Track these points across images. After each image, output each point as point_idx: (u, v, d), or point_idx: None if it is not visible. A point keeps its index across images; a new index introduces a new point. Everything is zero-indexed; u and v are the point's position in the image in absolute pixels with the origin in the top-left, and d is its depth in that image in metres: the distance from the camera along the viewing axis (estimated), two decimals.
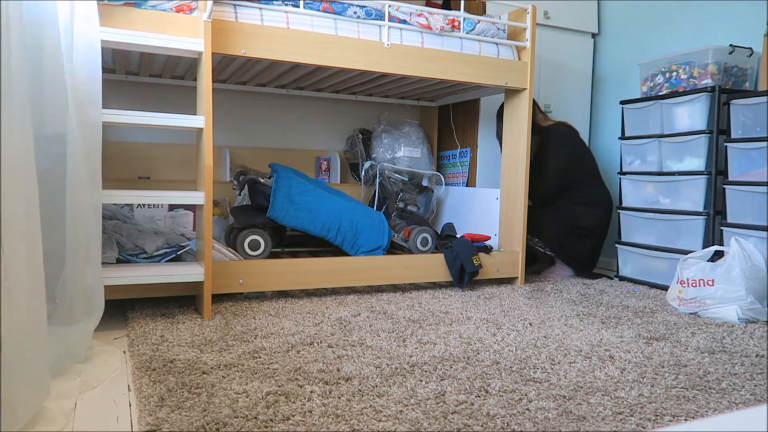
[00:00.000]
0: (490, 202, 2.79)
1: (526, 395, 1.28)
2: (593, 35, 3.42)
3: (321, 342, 1.64)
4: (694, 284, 2.15)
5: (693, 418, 1.19)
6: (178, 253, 2.16)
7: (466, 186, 3.08)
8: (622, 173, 2.84)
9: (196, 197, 1.89)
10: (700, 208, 2.47)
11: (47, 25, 1.39)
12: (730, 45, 2.52)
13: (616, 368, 1.49)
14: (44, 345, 1.12)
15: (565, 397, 1.28)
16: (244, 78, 2.71)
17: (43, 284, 1.14)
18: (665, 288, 2.57)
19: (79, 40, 1.50)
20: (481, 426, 1.12)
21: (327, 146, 3.21)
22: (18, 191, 1.05)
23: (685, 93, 2.53)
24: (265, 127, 3.06)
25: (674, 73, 2.65)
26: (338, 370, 1.41)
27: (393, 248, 2.70)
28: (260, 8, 2.04)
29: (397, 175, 3.02)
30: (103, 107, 2.39)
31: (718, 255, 2.24)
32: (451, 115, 3.23)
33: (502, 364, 1.49)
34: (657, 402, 1.27)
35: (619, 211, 2.86)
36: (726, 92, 2.45)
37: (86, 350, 1.47)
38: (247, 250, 2.26)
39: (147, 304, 2.03)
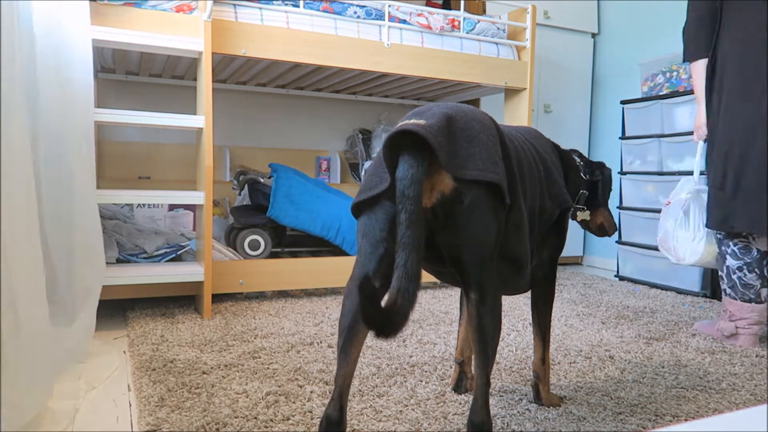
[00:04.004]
0: None
1: (526, 395, 1.28)
2: (593, 35, 3.42)
3: (321, 342, 1.63)
4: None
5: (693, 418, 1.19)
6: (178, 253, 2.16)
7: None
8: (622, 173, 2.84)
9: (196, 197, 1.89)
10: None
11: (38, 25, 1.38)
12: None
13: (616, 368, 1.48)
14: (47, 345, 1.12)
15: (565, 397, 1.28)
16: (244, 78, 2.71)
17: (44, 284, 1.14)
18: (665, 288, 2.57)
19: (70, 39, 1.48)
20: None
21: (327, 146, 3.21)
22: (17, 191, 1.05)
23: (685, 93, 2.53)
24: (265, 127, 3.06)
25: (675, 73, 2.65)
26: None
27: None
28: (260, 8, 2.04)
29: None
30: (104, 107, 2.38)
31: None
32: None
33: (502, 364, 1.49)
34: (657, 402, 1.27)
35: (619, 210, 2.86)
36: None
37: (87, 350, 1.47)
38: (247, 250, 2.26)
39: (147, 304, 2.03)
